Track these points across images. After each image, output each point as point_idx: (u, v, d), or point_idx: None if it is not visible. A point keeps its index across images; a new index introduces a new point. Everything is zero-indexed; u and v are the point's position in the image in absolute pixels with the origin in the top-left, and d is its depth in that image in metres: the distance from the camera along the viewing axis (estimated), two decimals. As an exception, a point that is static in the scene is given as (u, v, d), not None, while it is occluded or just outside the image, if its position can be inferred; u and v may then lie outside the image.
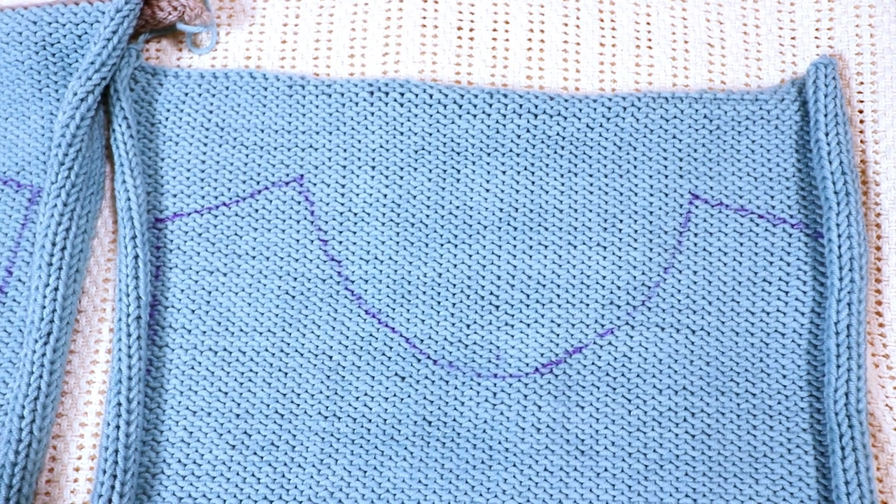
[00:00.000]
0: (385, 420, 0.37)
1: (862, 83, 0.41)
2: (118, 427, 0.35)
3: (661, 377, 0.38)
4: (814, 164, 0.39)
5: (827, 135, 0.39)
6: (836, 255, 0.37)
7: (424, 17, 0.42)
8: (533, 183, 0.40)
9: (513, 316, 0.38)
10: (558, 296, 0.39)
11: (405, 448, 0.37)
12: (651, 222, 0.40)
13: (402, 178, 0.40)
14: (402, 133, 0.40)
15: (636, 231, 0.39)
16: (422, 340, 0.38)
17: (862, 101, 0.41)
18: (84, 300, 0.39)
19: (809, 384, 0.37)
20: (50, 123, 0.40)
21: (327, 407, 0.37)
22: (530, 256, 0.39)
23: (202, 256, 0.39)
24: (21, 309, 0.38)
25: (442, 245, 0.39)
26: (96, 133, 0.40)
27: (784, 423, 0.37)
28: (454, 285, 0.39)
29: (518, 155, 0.40)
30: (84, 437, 0.37)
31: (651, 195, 0.40)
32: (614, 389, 0.37)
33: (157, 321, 0.38)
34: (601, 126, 0.41)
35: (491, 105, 0.40)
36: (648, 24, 0.43)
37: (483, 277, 0.39)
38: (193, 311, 0.38)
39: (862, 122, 0.40)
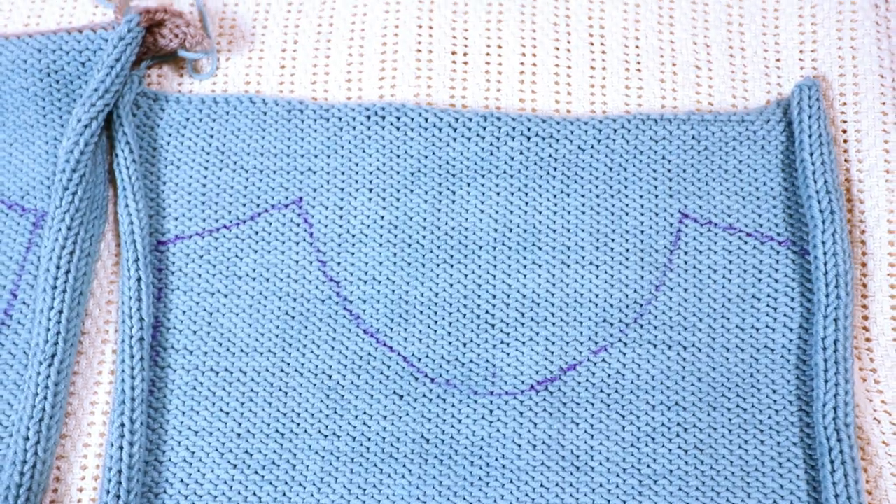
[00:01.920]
0: (384, 438, 0.38)
1: (845, 103, 0.42)
2: (121, 448, 0.36)
3: (653, 393, 0.38)
4: (799, 183, 0.40)
5: (812, 154, 0.40)
6: (822, 272, 0.38)
7: (419, 42, 0.43)
8: (526, 203, 0.41)
9: (508, 334, 0.39)
10: (552, 314, 0.39)
11: (404, 465, 0.37)
12: (642, 241, 0.40)
13: (398, 199, 0.41)
14: (398, 156, 0.41)
15: (628, 250, 0.40)
16: (419, 359, 0.39)
17: (846, 122, 0.42)
18: (87, 322, 0.39)
19: (799, 399, 0.38)
20: (54, 149, 0.41)
21: (327, 426, 0.38)
22: (525, 275, 0.40)
23: (203, 278, 0.40)
24: (26, 332, 0.38)
25: (438, 265, 0.40)
26: (99, 158, 0.41)
27: (774, 437, 0.38)
28: (451, 304, 0.39)
29: (512, 176, 0.41)
30: (87, 458, 0.37)
31: (642, 214, 0.41)
32: (608, 406, 0.38)
33: (160, 342, 0.39)
34: (592, 147, 0.42)
35: (485, 128, 0.41)
36: (637, 47, 0.44)
37: (479, 296, 0.40)
38: (195, 332, 0.39)
39: (846, 141, 0.42)
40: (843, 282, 0.38)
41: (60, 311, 0.37)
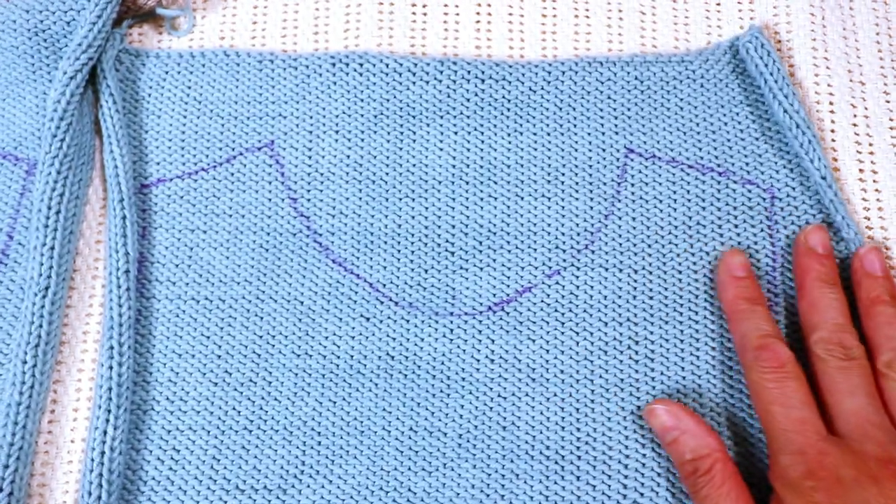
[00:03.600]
0: (352, 356, 0.41)
1: (780, 41, 0.45)
2: (111, 368, 0.39)
3: (606, 311, 0.41)
4: (780, 121, 0.42)
5: (783, 92, 0.42)
6: (827, 195, 0.41)
7: (381, -3, 0.46)
8: (482, 142, 0.44)
9: (466, 261, 0.42)
10: (508, 242, 0.42)
11: (370, 381, 0.40)
12: (591, 175, 0.43)
13: (363, 140, 0.44)
14: (362, 100, 0.44)
15: (577, 183, 0.43)
16: (384, 285, 0.42)
17: (780, 58, 0.45)
18: (78, 260, 0.42)
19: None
20: (43, 102, 0.44)
21: (299, 346, 0.41)
22: (481, 207, 0.43)
23: (184, 216, 0.43)
24: (22, 269, 0.42)
25: (401, 199, 0.43)
26: (86, 110, 0.44)
27: (727, 343, 0.40)
28: (413, 235, 0.43)
29: (468, 117, 0.44)
30: (81, 381, 0.41)
31: (590, 150, 0.44)
32: (562, 324, 0.41)
33: (145, 275, 0.42)
34: (543, 89, 0.45)
35: (442, 72, 0.44)
36: (585, -5, 0.47)
37: (439, 227, 0.43)
38: (177, 265, 0.42)
39: (780, 77, 0.44)
40: (842, 203, 0.41)
41: (52, 248, 0.40)
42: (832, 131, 0.43)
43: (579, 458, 0.39)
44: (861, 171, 0.42)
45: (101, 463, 0.38)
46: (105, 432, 0.38)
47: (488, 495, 0.39)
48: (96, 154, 0.44)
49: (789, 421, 0.35)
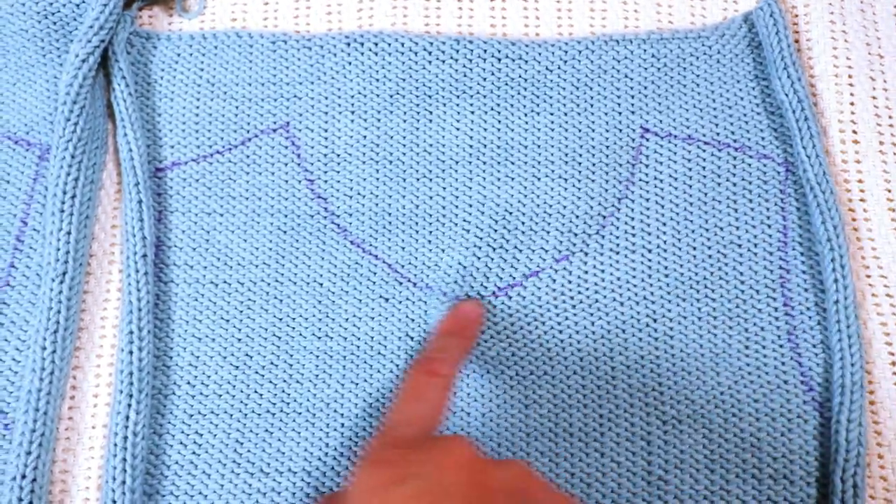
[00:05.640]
0: (372, 338, 0.41)
1: (797, 15, 0.44)
2: (131, 353, 0.39)
3: (620, 291, 0.41)
4: (776, 94, 0.42)
5: (786, 69, 0.42)
6: (807, 178, 0.41)
7: (394, -25, 0.46)
8: (498, 122, 0.43)
9: (481, 238, 0.42)
10: (523, 223, 0.42)
11: (391, 361, 0.40)
12: (607, 156, 0.43)
13: (379, 120, 0.43)
14: (377, 80, 0.44)
15: (594, 164, 0.43)
16: (402, 266, 0.42)
17: (797, 31, 0.44)
18: (94, 245, 0.42)
19: (767, 287, 0.41)
20: (55, 86, 0.43)
21: (320, 329, 0.41)
22: (498, 188, 0.43)
23: (200, 200, 0.43)
24: (38, 255, 0.41)
25: (418, 179, 0.43)
26: (98, 94, 0.43)
27: (743, 323, 0.40)
28: (430, 216, 0.42)
29: (484, 97, 0.44)
30: (101, 367, 0.40)
31: (606, 131, 0.43)
32: (573, 306, 0.41)
33: (162, 259, 0.42)
34: (559, 68, 0.44)
35: (458, 51, 0.44)
36: (600, -28, 0.46)
37: (456, 207, 0.42)
38: (195, 249, 0.42)
39: (799, 50, 0.44)
40: (827, 182, 0.41)
41: (69, 233, 0.40)
42: (851, 104, 0.43)
43: (602, 434, 0.39)
44: (881, 143, 0.42)
45: (125, 448, 0.37)
46: (127, 417, 0.38)
47: (512, 474, 0.39)
48: (109, 138, 0.44)
49: (404, 412, 0.34)
